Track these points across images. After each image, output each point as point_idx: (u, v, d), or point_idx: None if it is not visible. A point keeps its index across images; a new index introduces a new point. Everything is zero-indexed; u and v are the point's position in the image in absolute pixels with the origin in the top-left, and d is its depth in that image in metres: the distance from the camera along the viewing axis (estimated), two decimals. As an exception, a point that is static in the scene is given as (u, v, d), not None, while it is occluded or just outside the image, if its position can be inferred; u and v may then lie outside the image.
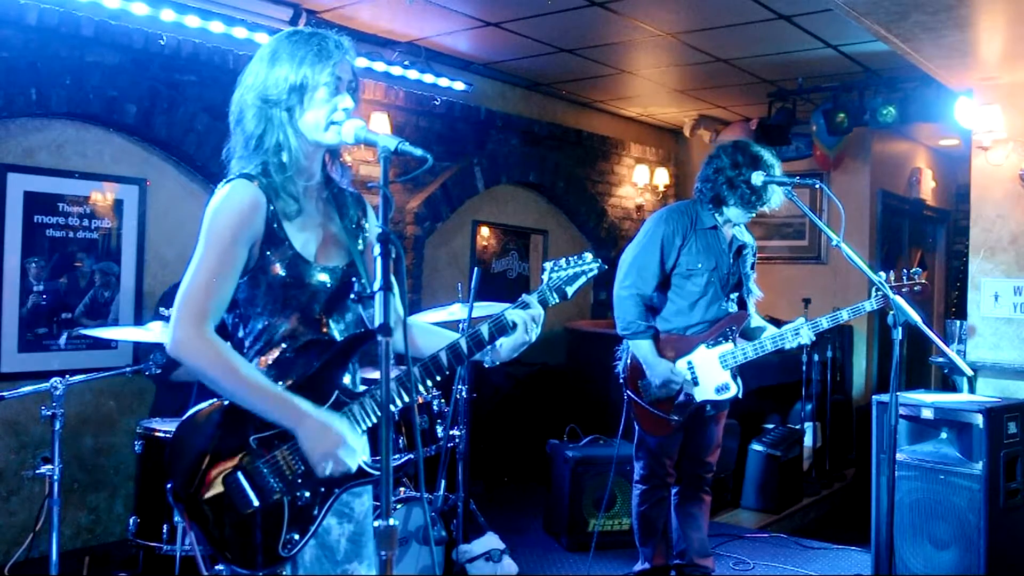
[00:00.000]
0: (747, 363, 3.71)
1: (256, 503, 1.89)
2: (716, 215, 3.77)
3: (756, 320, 3.85)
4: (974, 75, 4.96)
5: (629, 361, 3.81)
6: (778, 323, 3.85)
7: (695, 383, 3.71)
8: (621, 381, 3.86)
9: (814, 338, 3.66)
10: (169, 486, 1.93)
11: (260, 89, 1.96)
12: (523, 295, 2.10)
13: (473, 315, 3.74)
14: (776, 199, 3.70)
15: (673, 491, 3.97)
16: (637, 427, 3.84)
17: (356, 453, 1.90)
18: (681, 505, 3.98)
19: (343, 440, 1.87)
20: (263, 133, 1.96)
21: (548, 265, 2.12)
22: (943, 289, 9.40)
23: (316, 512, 1.93)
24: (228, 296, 1.93)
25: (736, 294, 3.87)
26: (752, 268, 3.92)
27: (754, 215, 3.78)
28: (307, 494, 1.92)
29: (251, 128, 1.97)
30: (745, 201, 3.67)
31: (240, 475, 1.90)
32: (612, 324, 3.92)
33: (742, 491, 5.97)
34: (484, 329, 2.03)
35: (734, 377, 3.73)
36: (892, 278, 3.54)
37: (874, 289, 3.46)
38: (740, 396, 3.77)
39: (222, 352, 1.88)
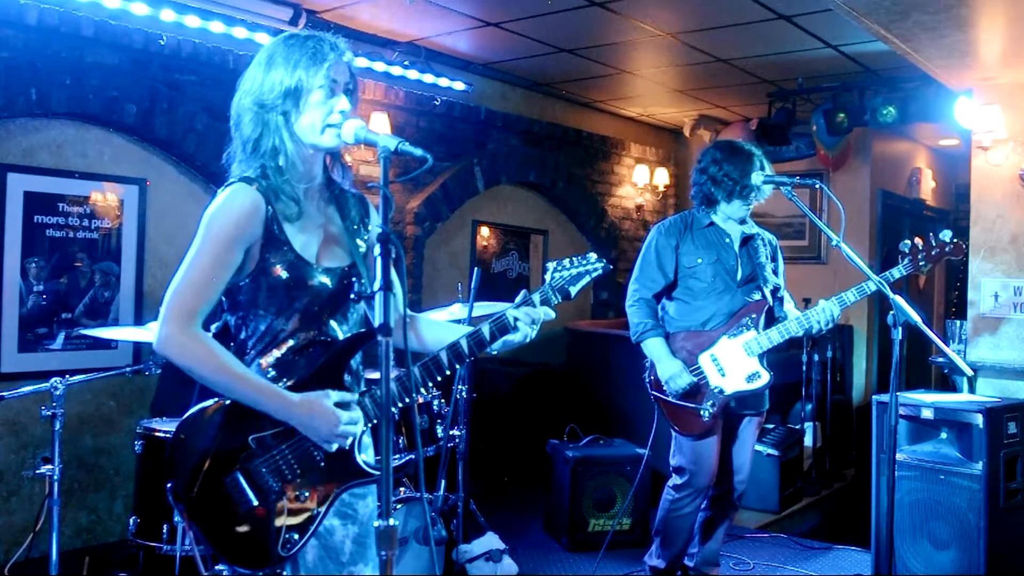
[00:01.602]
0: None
1: (255, 503, 1.90)
2: (711, 214, 3.81)
3: (785, 309, 3.84)
4: (974, 75, 4.96)
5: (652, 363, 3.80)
6: None
7: (722, 375, 3.66)
8: (647, 385, 3.81)
9: (838, 316, 3.64)
10: (169, 486, 1.94)
11: (256, 94, 1.97)
12: (523, 291, 2.10)
13: (473, 315, 3.74)
14: (766, 187, 3.72)
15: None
16: (673, 430, 3.77)
17: (357, 420, 1.93)
18: (705, 511, 3.90)
19: (336, 414, 1.90)
20: (259, 137, 1.97)
21: (552, 265, 2.12)
22: (943, 289, 9.40)
23: (315, 512, 1.93)
24: (216, 296, 1.94)
25: (754, 285, 3.79)
26: (769, 259, 3.86)
27: (751, 207, 3.78)
28: (306, 494, 1.93)
29: (248, 132, 1.98)
30: (730, 193, 3.70)
31: (239, 475, 1.91)
32: (612, 324, 3.92)
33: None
34: (486, 329, 2.03)
35: (764, 365, 3.67)
36: (920, 247, 3.54)
37: (899, 256, 3.56)
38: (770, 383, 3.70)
39: (209, 347, 1.90)
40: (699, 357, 3.69)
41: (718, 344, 3.68)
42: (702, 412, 3.66)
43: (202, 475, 1.91)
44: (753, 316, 3.71)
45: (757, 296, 3.77)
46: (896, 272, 3.51)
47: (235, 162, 2.03)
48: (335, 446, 1.92)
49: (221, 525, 1.90)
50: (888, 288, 3.21)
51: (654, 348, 3.74)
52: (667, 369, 3.68)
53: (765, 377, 3.66)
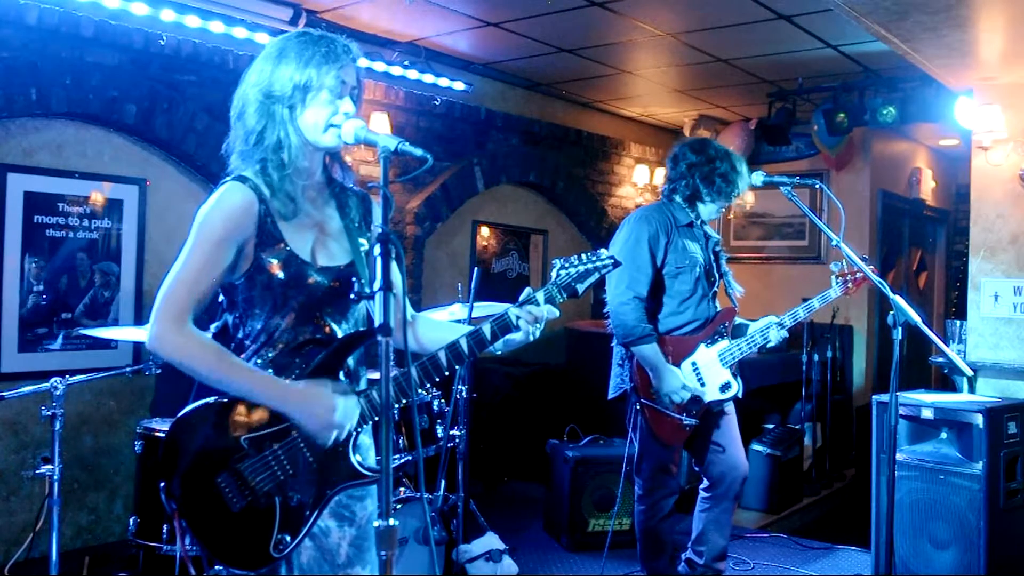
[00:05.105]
0: (746, 362, 3.70)
1: (246, 503, 1.90)
2: (690, 212, 3.76)
3: (739, 318, 3.83)
4: (974, 75, 4.96)
5: (636, 366, 3.63)
6: None
7: (702, 384, 3.62)
8: (629, 390, 3.66)
9: (787, 334, 3.71)
10: (162, 485, 1.93)
11: (264, 85, 1.97)
12: (527, 288, 2.06)
13: (473, 315, 3.74)
14: (735, 193, 3.74)
15: (706, 495, 3.81)
16: (650, 437, 3.65)
17: (353, 414, 1.92)
18: (711, 511, 3.79)
19: (334, 405, 1.89)
20: (264, 129, 1.97)
21: (558, 262, 2.07)
22: (943, 289, 9.40)
23: (308, 513, 1.93)
24: (209, 294, 1.95)
25: (715, 290, 3.80)
26: (726, 264, 3.89)
27: (723, 212, 3.81)
28: (298, 495, 1.92)
29: (252, 123, 1.98)
30: (721, 194, 3.69)
31: (231, 475, 1.90)
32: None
33: (742, 491, 5.95)
34: (487, 328, 2.01)
35: (734, 375, 3.68)
36: (844, 268, 3.67)
37: (834, 277, 3.69)
38: (740, 395, 3.72)
39: (201, 343, 1.90)
40: (681, 364, 3.62)
41: (698, 351, 3.64)
42: (684, 423, 3.59)
43: (194, 475, 1.90)
44: (725, 324, 3.70)
45: (719, 303, 3.78)
46: (833, 292, 3.68)
47: (234, 152, 2.02)
48: (331, 438, 1.90)
49: (213, 525, 1.90)
50: (888, 288, 3.21)
51: (651, 355, 3.56)
52: (671, 381, 3.55)
53: (735, 387, 3.67)
